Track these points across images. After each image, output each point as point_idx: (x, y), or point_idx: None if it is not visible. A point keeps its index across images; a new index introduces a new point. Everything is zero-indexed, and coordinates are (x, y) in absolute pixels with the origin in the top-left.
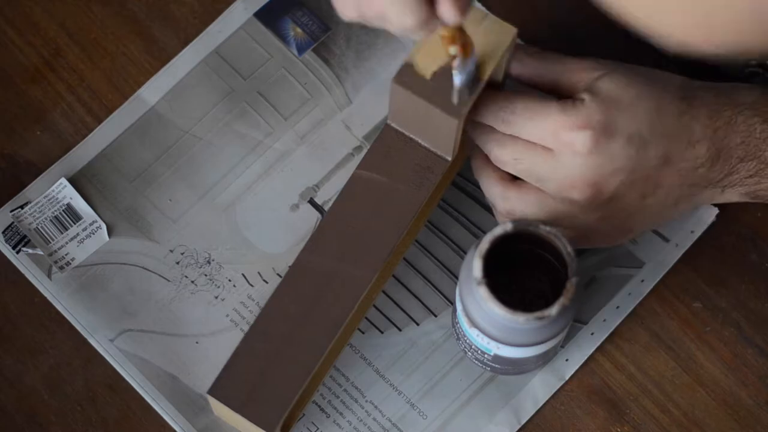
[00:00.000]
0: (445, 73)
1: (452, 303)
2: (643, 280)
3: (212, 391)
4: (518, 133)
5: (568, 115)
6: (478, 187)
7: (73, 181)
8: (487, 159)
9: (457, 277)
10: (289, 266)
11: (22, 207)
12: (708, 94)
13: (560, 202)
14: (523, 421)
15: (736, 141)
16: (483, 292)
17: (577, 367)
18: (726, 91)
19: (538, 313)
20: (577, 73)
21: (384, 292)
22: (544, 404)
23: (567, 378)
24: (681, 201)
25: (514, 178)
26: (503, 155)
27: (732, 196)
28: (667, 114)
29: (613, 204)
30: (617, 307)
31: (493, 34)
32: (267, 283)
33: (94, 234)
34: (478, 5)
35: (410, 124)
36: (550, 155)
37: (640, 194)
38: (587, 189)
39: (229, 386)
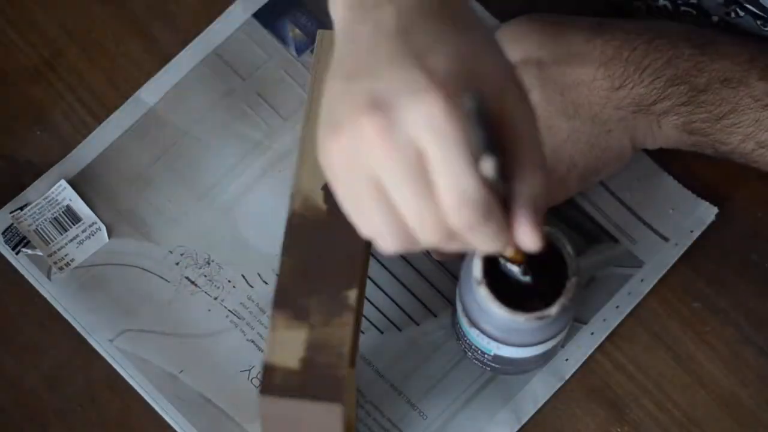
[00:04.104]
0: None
1: (452, 303)
2: (642, 280)
3: (266, 390)
4: None
5: None
6: None
7: (73, 183)
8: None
9: (457, 277)
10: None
11: (21, 208)
12: (627, 23)
13: None
14: (523, 421)
15: (660, 60)
16: (483, 292)
17: (577, 367)
18: (648, 22)
19: (538, 313)
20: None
21: (384, 291)
22: (544, 404)
23: (567, 378)
24: (613, 127)
25: None
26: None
27: (671, 131)
28: (572, 39)
29: (540, 125)
30: (617, 307)
31: None
32: (267, 284)
33: (93, 235)
34: None
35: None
36: None
37: (562, 113)
38: None
39: (279, 379)
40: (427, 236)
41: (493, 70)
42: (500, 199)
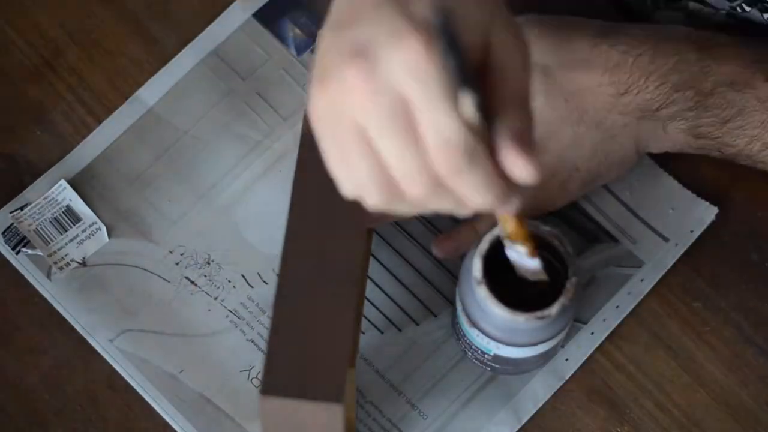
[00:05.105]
0: None
1: (452, 303)
2: (642, 280)
3: (266, 390)
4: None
5: None
6: None
7: (73, 183)
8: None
9: (457, 277)
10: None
11: (21, 208)
12: (632, 28)
13: None
14: (523, 421)
15: (665, 66)
16: (483, 292)
17: (577, 367)
18: (652, 26)
19: (538, 313)
20: None
21: (384, 291)
22: (544, 404)
23: (567, 378)
24: (617, 132)
25: None
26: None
27: (677, 135)
28: (577, 45)
29: (544, 131)
30: (617, 307)
31: None
32: (266, 284)
33: (93, 235)
34: None
35: None
36: None
37: (567, 119)
38: None
39: (279, 379)
40: (414, 186)
41: (475, 7)
42: (486, 144)
